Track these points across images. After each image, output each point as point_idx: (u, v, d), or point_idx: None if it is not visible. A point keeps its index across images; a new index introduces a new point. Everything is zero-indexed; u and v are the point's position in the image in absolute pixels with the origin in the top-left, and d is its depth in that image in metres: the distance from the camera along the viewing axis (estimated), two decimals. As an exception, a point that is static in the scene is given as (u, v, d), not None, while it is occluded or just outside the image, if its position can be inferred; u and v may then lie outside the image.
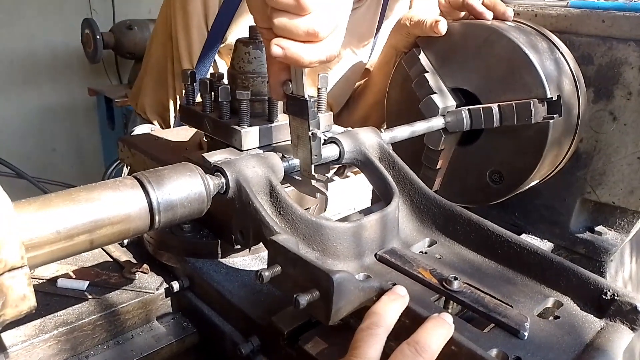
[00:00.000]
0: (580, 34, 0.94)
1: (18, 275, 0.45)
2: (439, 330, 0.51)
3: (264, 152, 0.73)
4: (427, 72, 0.95)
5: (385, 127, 0.91)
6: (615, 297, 0.61)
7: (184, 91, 0.84)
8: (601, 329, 0.60)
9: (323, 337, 0.60)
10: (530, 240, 1.06)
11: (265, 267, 0.57)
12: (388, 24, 1.36)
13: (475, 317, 0.61)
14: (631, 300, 0.60)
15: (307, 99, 0.66)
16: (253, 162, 0.67)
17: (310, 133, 0.68)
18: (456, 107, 0.93)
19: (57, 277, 0.80)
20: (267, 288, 0.72)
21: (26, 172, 1.78)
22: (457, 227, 0.73)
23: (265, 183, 0.67)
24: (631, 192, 0.94)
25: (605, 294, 0.61)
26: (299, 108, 0.67)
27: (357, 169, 0.82)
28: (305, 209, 0.67)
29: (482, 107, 0.89)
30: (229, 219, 0.68)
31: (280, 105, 0.78)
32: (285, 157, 0.72)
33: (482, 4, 0.95)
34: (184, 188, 0.60)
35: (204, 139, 0.89)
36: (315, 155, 0.70)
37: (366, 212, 1.15)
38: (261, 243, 0.65)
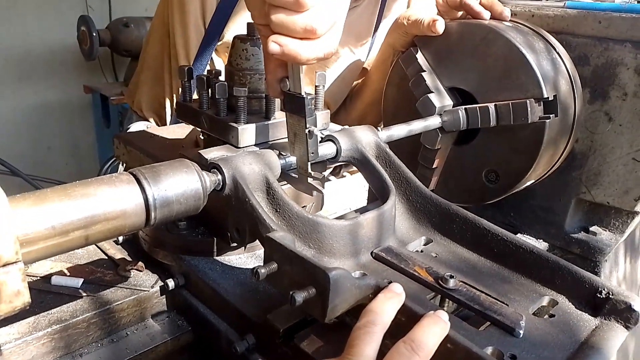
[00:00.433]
0: (576, 35, 0.94)
1: (12, 271, 0.45)
2: (435, 328, 0.51)
3: (260, 149, 0.72)
4: (424, 71, 0.95)
5: (382, 126, 0.91)
6: (610, 296, 0.61)
7: (180, 88, 0.84)
8: (596, 327, 0.60)
9: (319, 335, 0.60)
10: (526, 240, 1.06)
11: (262, 264, 0.57)
12: (386, 23, 1.36)
13: (471, 316, 0.62)
14: (626, 299, 0.60)
15: (304, 96, 0.66)
16: (250, 159, 0.67)
17: (307, 130, 0.68)
18: (453, 107, 0.93)
19: (51, 275, 0.80)
20: (262, 286, 0.72)
21: (21, 170, 1.77)
22: (453, 226, 0.73)
23: (262, 180, 0.67)
24: (626, 192, 0.94)
25: (600, 293, 0.62)
26: (296, 105, 0.67)
27: (353, 169, 0.82)
28: (302, 207, 0.67)
29: (479, 107, 0.89)
30: (225, 216, 0.68)
31: (277, 102, 0.78)
32: (282, 155, 0.72)
33: (480, 3, 0.95)
34: (180, 184, 0.60)
35: (201, 136, 0.88)
36: (312, 153, 0.70)
37: (362, 211, 1.15)
38: (257, 241, 0.65)
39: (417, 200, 0.76)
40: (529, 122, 0.85)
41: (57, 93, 3.27)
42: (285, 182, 0.75)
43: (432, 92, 0.92)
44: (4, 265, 0.45)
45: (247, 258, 0.81)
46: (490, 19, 0.94)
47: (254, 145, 0.76)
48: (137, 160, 0.95)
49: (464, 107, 0.90)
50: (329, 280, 0.50)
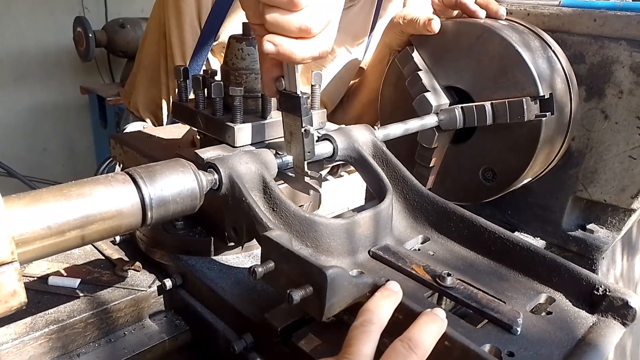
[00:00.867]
0: (572, 33, 0.94)
1: (8, 271, 0.45)
2: (432, 325, 0.51)
3: (257, 148, 0.72)
4: (421, 70, 0.95)
5: (379, 125, 0.91)
6: (607, 293, 0.61)
7: (176, 88, 0.84)
8: (593, 324, 0.60)
9: (316, 334, 0.60)
10: (523, 237, 1.07)
11: (259, 263, 0.57)
12: (382, 23, 1.36)
13: (469, 313, 0.62)
14: (623, 296, 0.60)
15: (300, 95, 0.66)
16: (246, 159, 0.67)
17: (303, 130, 0.68)
18: (449, 105, 0.93)
19: (48, 275, 0.79)
20: (260, 285, 0.72)
21: (17, 171, 1.77)
22: (450, 224, 0.73)
23: (259, 179, 0.67)
24: (622, 190, 0.94)
25: (597, 290, 0.62)
26: (291, 104, 0.67)
27: (350, 169, 0.82)
28: (299, 206, 0.67)
29: (475, 105, 0.89)
30: (222, 216, 0.68)
31: (273, 102, 0.78)
32: (278, 154, 0.72)
33: (475, 2, 0.95)
34: (176, 184, 0.60)
35: (197, 136, 0.88)
36: (308, 152, 0.70)
37: (359, 210, 1.15)
38: (254, 240, 0.64)
39: (414, 199, 0.76)
40: (525, 120, 0.85)
41: (53, 94, 3.27)
42: (282, 182, 0.75)
43: (429, 91, 0.92)
44: (-1, 266, 0.45)
45: (244, 257, 0.81)
46: (486, 17, 0.95)
47: (251, 144, 0.76)
48: (133, 160, 0.95)
49: (460, 105, 0.90)
50: (326, 278, 0.50)
